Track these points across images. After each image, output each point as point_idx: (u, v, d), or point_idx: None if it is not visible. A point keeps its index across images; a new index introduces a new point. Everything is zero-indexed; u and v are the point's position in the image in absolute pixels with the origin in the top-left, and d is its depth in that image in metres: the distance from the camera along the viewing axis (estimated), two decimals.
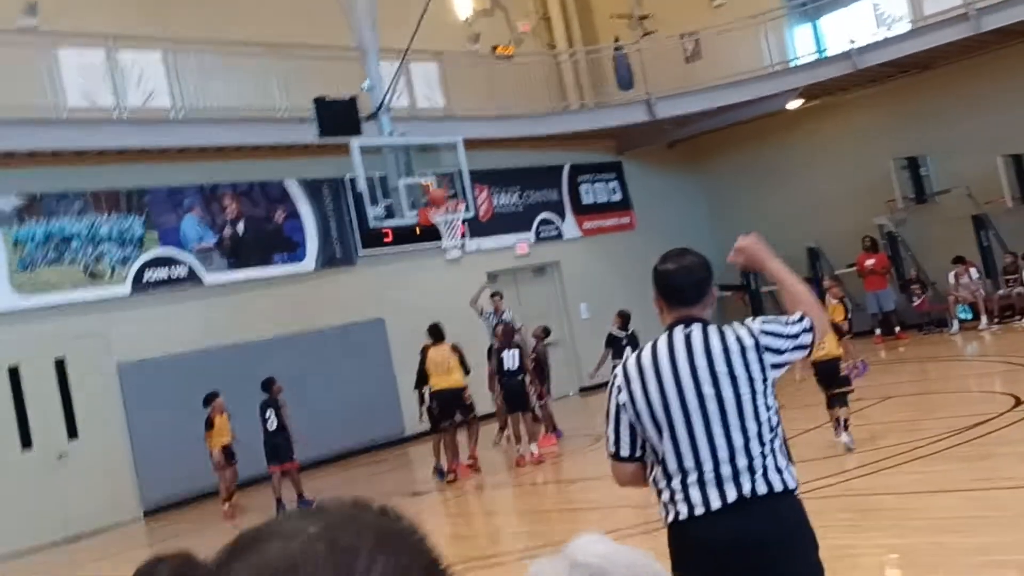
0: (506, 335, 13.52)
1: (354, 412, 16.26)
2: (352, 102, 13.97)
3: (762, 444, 3.33)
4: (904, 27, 18.62)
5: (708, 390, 3.35)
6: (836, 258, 20.77)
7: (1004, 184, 18.18)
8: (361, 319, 16.99)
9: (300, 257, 16.72)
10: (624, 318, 14.41)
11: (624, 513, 9.29)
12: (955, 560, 6.03)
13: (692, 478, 3.34)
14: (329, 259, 17.04)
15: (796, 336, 3.44)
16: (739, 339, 3.41)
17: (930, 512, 7.15)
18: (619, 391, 3.47)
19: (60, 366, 14.09)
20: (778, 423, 3.42)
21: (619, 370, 3.52)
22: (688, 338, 3.43)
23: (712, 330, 3.44)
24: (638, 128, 20.89)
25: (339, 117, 13.67)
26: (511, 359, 13.15)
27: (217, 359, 15.08)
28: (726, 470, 3.31)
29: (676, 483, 3.36)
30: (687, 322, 3.48)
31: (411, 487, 13.16)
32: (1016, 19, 16.79)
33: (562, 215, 20.92)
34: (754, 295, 21.61)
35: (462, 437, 13.12)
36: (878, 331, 19.18)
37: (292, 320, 16.19)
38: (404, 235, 16.79)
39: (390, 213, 14.05)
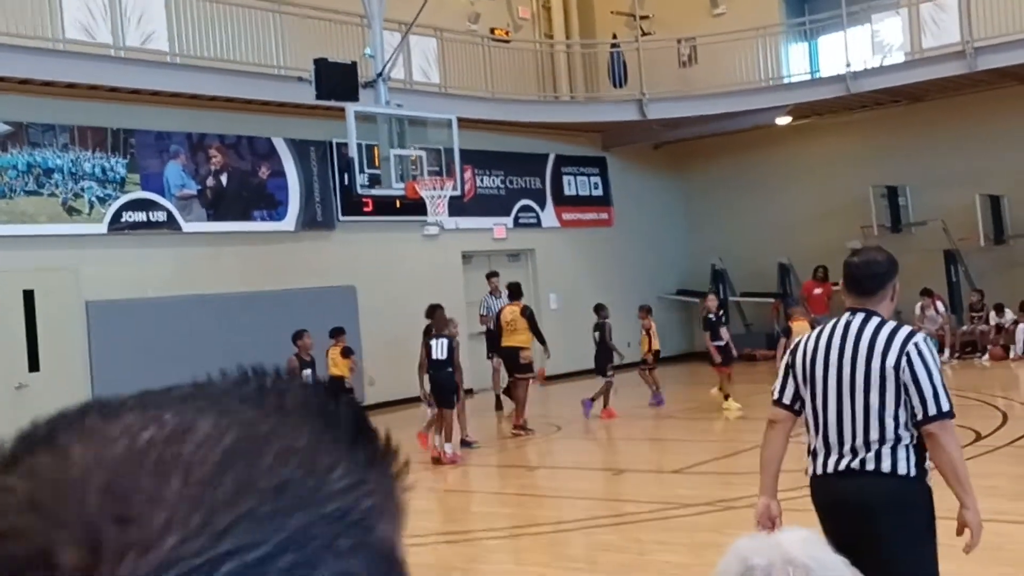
0: (438, 322, 12.65)
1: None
2: (352, 67, 13.93)
3: (882, 430, 3.80)
4: (899, 57, 18.86)
5: (846, 371, 3.90)
6: (806, 276, 21.00)
7: (979, 222, 18.50)
8: (333, 284, 16.96)
9: (281, 216, 16.65)
10: (713, 302, 15.07)
11: (584, 504, 9.39)
12: None
13: (820, 440, 3.96)
14: (309, 221, 16.99)
15: (937, 392, 3.75)
16: (891, 338, 3.85)
17: None
18: (791, 355, 4.16)
19: (28, 297, 13.95)
20: (906, 421, 3.81)
21: (800, 338, 4.22)
22: (848, 324, 3.95)
23: (873, 321, 3.92)
24: (626, 126, 20.98)
25: (338, 80, 13.61)
26: (439, 348, 12.25)
27: (187, 307, 15.03)
28: (847, 441, 3.87)
29: (812, 442, 4.02)
30: (856, 311, 3.97)
31: None
32: (1012, 62, 17.06)
33: (542, 204, 20.99)
34: (722, 304, 21.78)
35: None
36: None
37: (265, 278, 16.13)
38: (384, 207, 16.75)
39: (373, 182, 14.08)
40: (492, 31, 20.67)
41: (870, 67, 18.91)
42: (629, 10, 21.92)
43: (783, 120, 20.47)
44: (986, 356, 17.72)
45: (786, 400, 4.12)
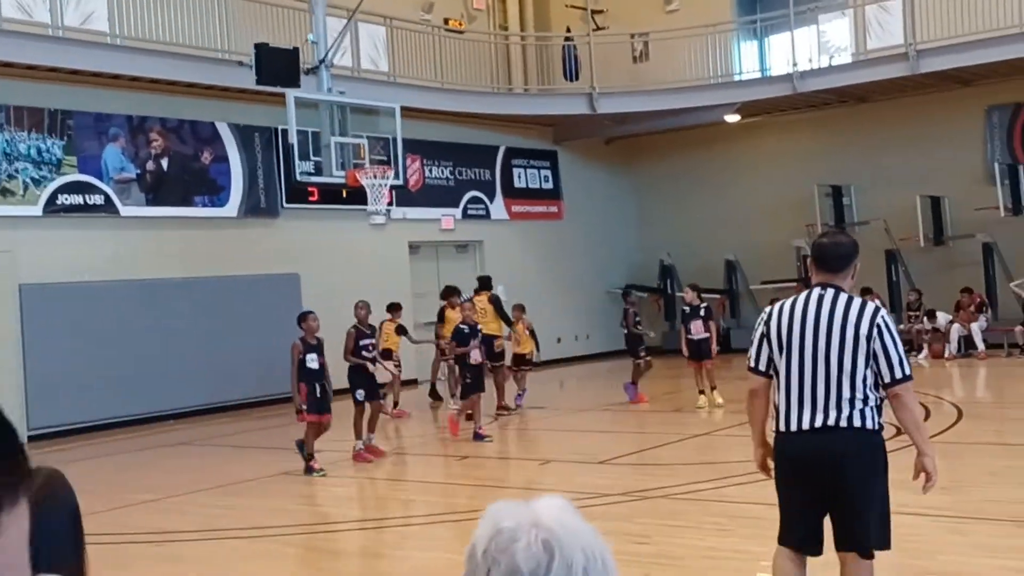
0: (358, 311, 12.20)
1: (256, 364, 16.11)
2: (294, 53, 13.85)
3: (852, 390, 4.28)
4: (846, 58, 19.04)
5: (822, 337, 4.33)
6: (752, 272, 21.19)
7: (919, 223, 18.73)
8: (276, 272, 16.87)
9: (223, 202, 16.53)
10: (689, 294, 14.49)
11: (506, 493, 9.43)
12: (816, 572, 6.22)
13: (794, 399, 4.37)
14: (252, 208, 16.88)
15: (901, 359, 4.30)
16: (861, 311, 4.33)
17: None
18: (763, 324, 4.58)
19: None
20: (874, 385, 4.32)
21: (769, 308, 4.64)
22: (820, 297, 4.40)
23: (842, 296, 4.39)
24: (577, 120, 21.03)
25: (279, 66, 13.52)
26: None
27: (124, 292, 14.93)
28: (821, 399, 4.31)
29: (783, 401, 4.42)
30: (824, 286, 4.42)
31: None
32: (952, 64, 17.29)
33: (492, 196, 20.99)
34: (668, 300, 21.96)
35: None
36: None
37: (206, 264, 16.02)
38: (330, 195, 16.67)
39: (319, 170, 14.03)
40: (446, 21, 20.63)
41: (816, 67, 19.08)
42: (583, 3, 21.97)
43: (732, 118, 20.61)
44: (923, 354, 17.95)
45: (762, 367, 4.56)
